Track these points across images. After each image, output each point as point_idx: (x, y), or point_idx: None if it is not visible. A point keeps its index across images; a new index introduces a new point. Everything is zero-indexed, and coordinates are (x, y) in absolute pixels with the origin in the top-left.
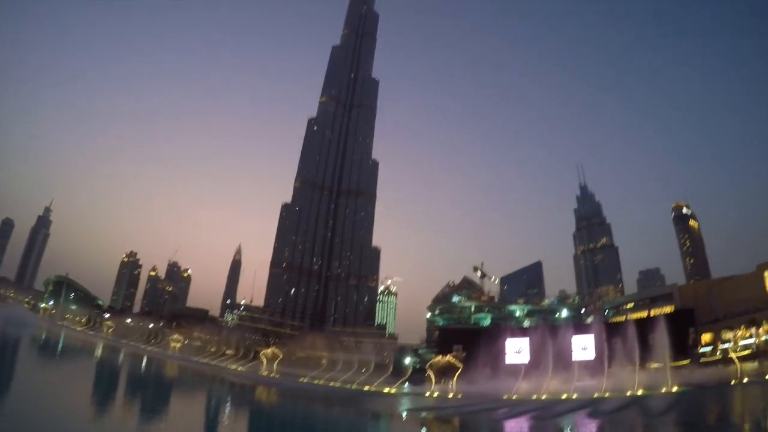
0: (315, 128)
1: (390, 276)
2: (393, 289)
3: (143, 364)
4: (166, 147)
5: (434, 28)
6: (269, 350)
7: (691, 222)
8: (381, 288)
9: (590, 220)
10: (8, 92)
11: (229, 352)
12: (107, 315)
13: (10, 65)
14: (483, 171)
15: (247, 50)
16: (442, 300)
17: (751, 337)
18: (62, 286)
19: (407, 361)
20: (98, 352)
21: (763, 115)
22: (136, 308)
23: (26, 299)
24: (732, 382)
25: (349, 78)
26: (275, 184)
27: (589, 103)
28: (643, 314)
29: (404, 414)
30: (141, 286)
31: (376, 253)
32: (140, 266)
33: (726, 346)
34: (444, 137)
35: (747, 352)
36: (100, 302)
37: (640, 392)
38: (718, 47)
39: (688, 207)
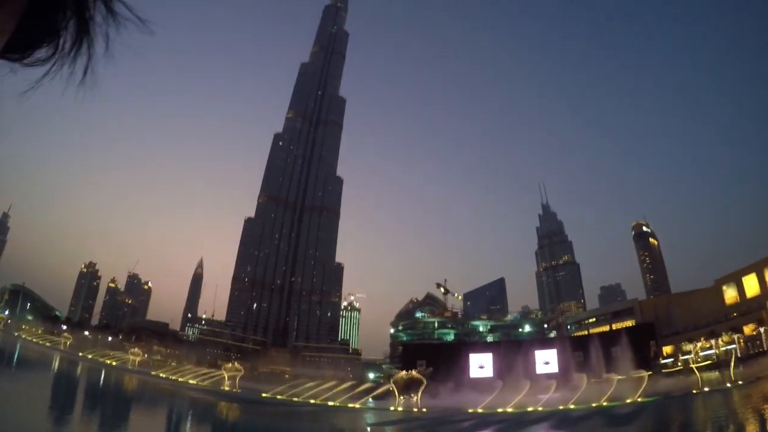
0: (280, 143)
1: (353, 292)
2: (356, 304)
3: (101, 377)
4: (129, 158)
5: (402, 48)
6: (230, 365)
7: (651, 240)
8: (344, 304)
9: (552, 238)
10: None
11: (189, 366)
12: (65, 327)
13: None
14: (446, 189)
15: (215, 64)
16: (405, 316)
17: (711, 348)
18: (18, 296)
19: (371, 376)
20: (55, 364)
21: (724, 133)
22: (95, 320)
23: None
24: (694, 391)
25: (317, 95)
26: (239, 198)
27: (550, 123)
28: (605, 328)
29: (369, 429)
30: (100, 298)
31: (339, 269)
32: (99, 277)
33: (687, 357)
34: (408, 156)
35: (708, 362)
36: (57, 313)
37: (604, 403)
38: (674, 67)
39: (647, 225)
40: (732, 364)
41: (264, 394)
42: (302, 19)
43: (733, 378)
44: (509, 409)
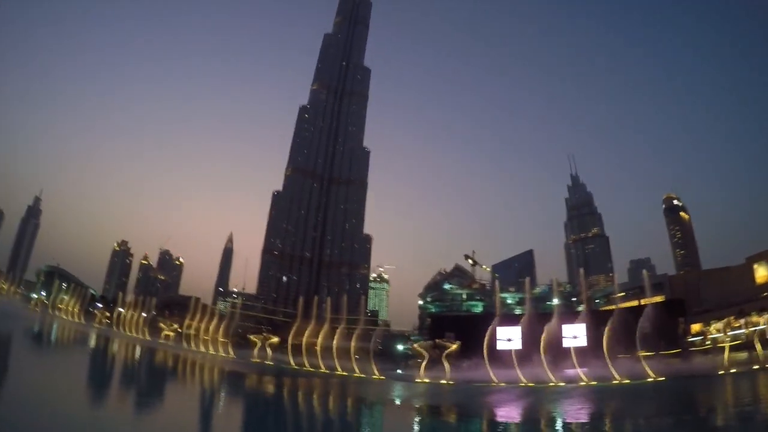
0: (306, 116)
1: (382, 264)
2: (385, 276)
3: (137, 352)
4: (156, 135)
5: (428, 16)
6: (262, 336)
7: (682, 214)
8: (373, 275)
9: (581, 210)
10: None
11: (222, 339)
12: (100, 305)
13: None
14: (475, 159)
15: (239, 38)
16: (433, 288)
17: (740, 327)
18: (54, 276)
19: (400, 347)
20: (92, 341)
21: (753, 107)
22: (129, 297)
23: (18, 290)
24: (720, 372)
25: (341, 66)
26: (266, 171)
27: (580, 94)
28: (634, 303)
29: (397, 400)
30: (133, 275)
31: (367, 241)
32: (132, 255)
33: (716, 336)
34: (436, 126)
35: (737, 342)
36: (92, 292)
37: (626, 380)
38: (706, 39)
39: (678, 199)
40: (760, 345)
41: (293, 365)
42: None
43: (761, 359)
44: (531, 384)
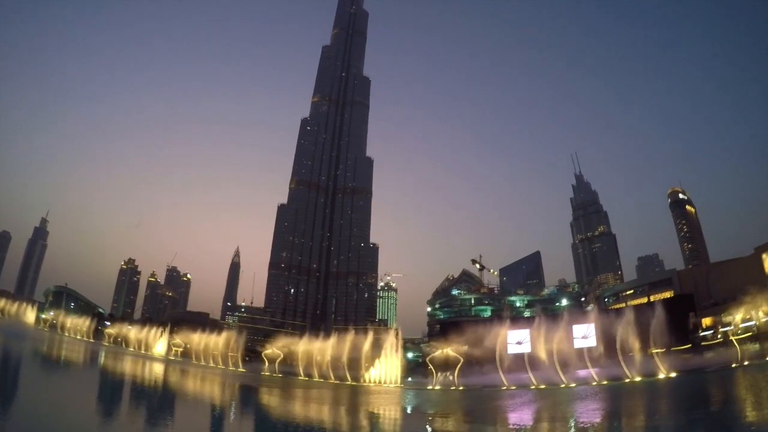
0: (308, 128)
1: (389, 272)
2: (393, 284)
3: (146, 369)
4: (161, 153)
5: (425, 23)
6: (270, 350)
7: (688, 207)
8: (381, 284)
9: (587, 209)
10: (3, 104)
11: (231, 354)
12: (108, 323)
13: (3, 76)
14: (478, 164)
15: (238, 55)
16: (442, 294)
17: (751, 319)
18: (62, 296)
19: (409, 355)
20: (101, 360)
21: (758, 100)
22: (137, 315)
23: (26, 310)
24: (733, 365)
25: (341, 77)
26: (271, 185)
27: (582, 93)
28: (643, 300)
29: (409, 408)
30: (141, 293)
31: (374, 250)
32: (139, 273)
33: (726, 329)
34: (438, 132)
35: (748, 334)
36: (100, 310)
37: (638, 378)
38: (710, 34)
39: (684, 192)
40: None
41: (301, 377)
42: (320, 3)
43: None
44: (543, 386)
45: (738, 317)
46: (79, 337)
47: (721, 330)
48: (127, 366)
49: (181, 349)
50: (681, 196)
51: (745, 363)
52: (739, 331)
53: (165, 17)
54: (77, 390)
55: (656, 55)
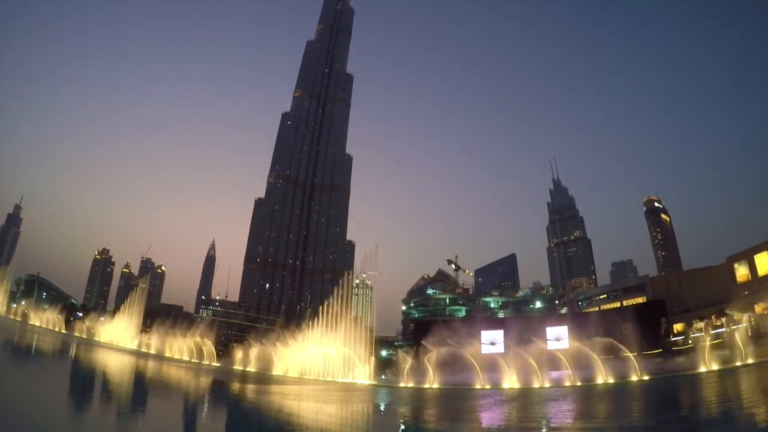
0: (289, 123)
1: (365, 270)
2: (368, 282)
3: (118, 361)
4: (138, 143)
5: (409, 23)
6: (243, 345)
7: (663, 216)
8: (356, 281)
9: (563, 214)
10: None
11: (204, 348)
12: (80, 314)
13: None
14: (457, 165)
15: (221, 45)
16: (417, 293)
17: (721, 326)
18: (34, 286)
19: (383, 353)
20: (72, 351)
21: (735, 110)
22: (110, 306)
23: None
24: (702, 369)
25: (324, 73)
26: (249, 179)
27: (561, 98)
28: (616, 305)
29: (382, 406)
30: (114, 284)
31: (351, 247)
32: (113, 264)
33: (697, 335)
34: (417, 133)
35: (718, 341)
36: (73, 301)
37: (611, 380)
38: (688, 42)
39: (659, 201)
40: (742, 343)
41: (275, 372)
42: None
43: (743, 357)
44: (517, 386)
45: (708, 324)
46: (50, 327)
47: (692, 336)
48: (98, 358)
49: (153, 342)
50: (656, 204)
51: (714, 368)
52: (709, 338)
53: (149, 7)
54: (45, 383)
55: (636, 63)
